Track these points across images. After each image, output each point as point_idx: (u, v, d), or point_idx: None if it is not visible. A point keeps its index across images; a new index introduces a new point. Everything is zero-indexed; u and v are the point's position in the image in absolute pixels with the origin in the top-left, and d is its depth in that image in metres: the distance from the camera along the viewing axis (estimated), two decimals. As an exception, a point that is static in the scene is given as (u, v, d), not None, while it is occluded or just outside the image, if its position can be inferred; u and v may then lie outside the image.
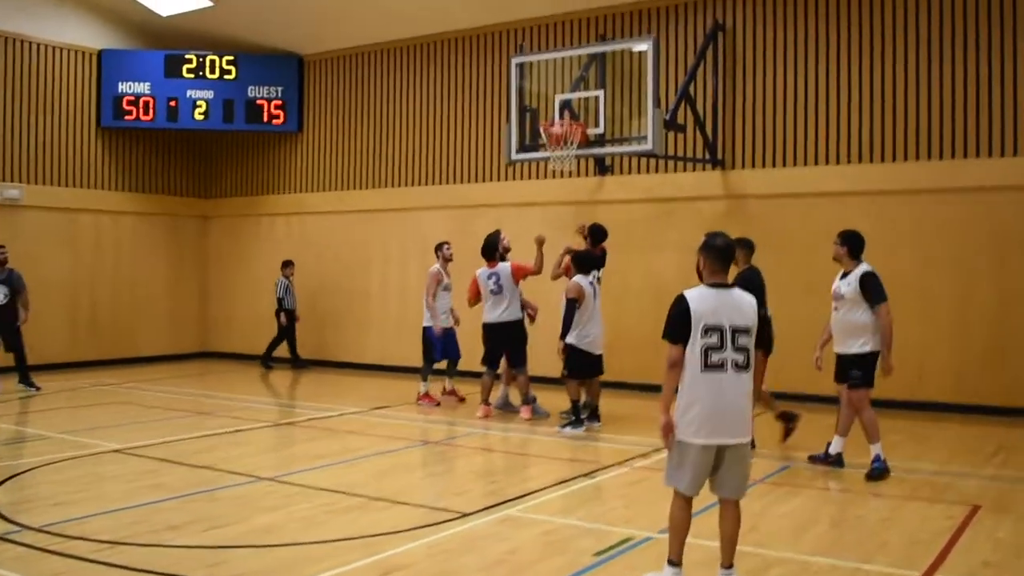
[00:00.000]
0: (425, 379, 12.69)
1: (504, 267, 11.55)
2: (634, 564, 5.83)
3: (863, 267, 8.42)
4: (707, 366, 5.05)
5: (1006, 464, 9.15)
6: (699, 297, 5.17)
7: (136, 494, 7.57)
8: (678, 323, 5.11)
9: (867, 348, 8.26)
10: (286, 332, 17.36)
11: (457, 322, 12.85)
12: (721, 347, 5.05)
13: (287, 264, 17.43)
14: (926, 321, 12.45)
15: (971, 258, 12.30)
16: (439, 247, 12.79)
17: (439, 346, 12.43)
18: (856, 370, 8.25)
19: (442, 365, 13.01)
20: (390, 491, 7.72)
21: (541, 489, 7.85)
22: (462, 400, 12.78)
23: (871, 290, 8.27)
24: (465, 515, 6.99)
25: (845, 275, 8.50)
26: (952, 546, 6.32)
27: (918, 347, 12.38)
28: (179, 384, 15.12)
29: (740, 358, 5.08)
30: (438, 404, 12.54)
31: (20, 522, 6.65)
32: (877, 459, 8.25)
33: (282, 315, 17.23)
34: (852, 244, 8.58)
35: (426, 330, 12.47)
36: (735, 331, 5.09)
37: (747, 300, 5.22)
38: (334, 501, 7.39)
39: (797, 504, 7.47)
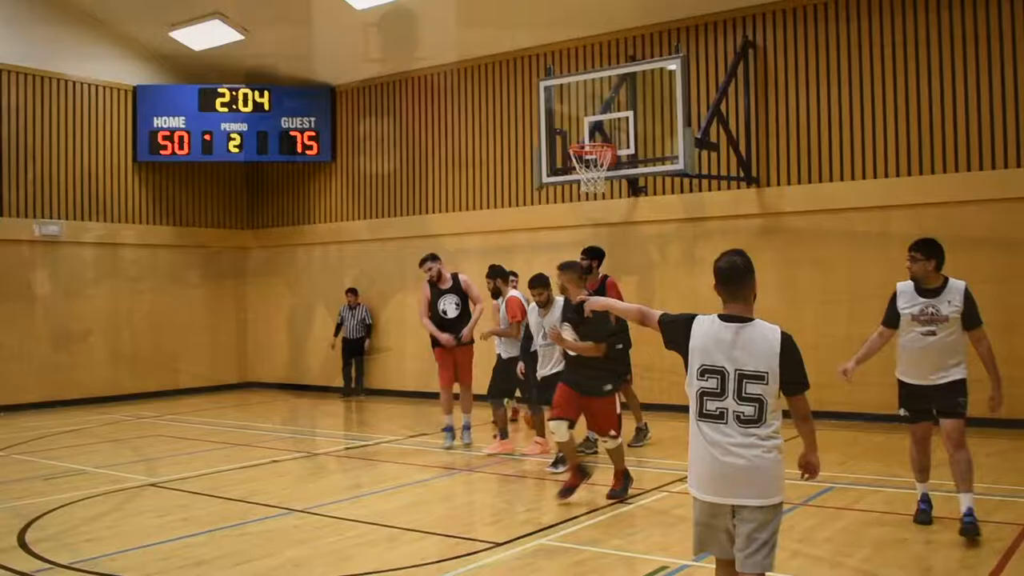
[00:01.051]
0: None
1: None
2: None
3: (957, 281, 7.10)
4: (702, 415, 4.22)
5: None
6: (703, 331, 4.32)
7: (167, 529, 7.52)
8: (672, 329, 4.40)
9: (964, 375, 6.99)
10: (344, 357, 17.59)
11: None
12: (721, 394, 4.19)
13: (349, 291, 17.63)
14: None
15: (1018, 270, 12.02)
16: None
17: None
18: (961, 398, 6.95)
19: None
20: (422, 521, 7.61)
21: (574, 517, 7.70)
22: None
23: (975, 308, 7.03)
24: (497, 545, 6.86)
25: (927, 292, 7.10)
26: (1000, 571, 6.09)
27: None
28: (218, 415, 15.16)
29: (747, 410, 4.15)
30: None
31: (50, 559, 6.62)
32: (970, 512, 6.84)
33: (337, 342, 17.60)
34: (939, 255, 7.10)
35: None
36: (742, 376, 4.17)
37: (768, 338, 4.22)
38: (364, 533, 7.30)
39: (840, 527, 7.26)
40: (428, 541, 7.04)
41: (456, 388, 11.42)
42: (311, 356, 18.60)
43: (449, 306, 11.04)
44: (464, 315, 11.09)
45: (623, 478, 8.41)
